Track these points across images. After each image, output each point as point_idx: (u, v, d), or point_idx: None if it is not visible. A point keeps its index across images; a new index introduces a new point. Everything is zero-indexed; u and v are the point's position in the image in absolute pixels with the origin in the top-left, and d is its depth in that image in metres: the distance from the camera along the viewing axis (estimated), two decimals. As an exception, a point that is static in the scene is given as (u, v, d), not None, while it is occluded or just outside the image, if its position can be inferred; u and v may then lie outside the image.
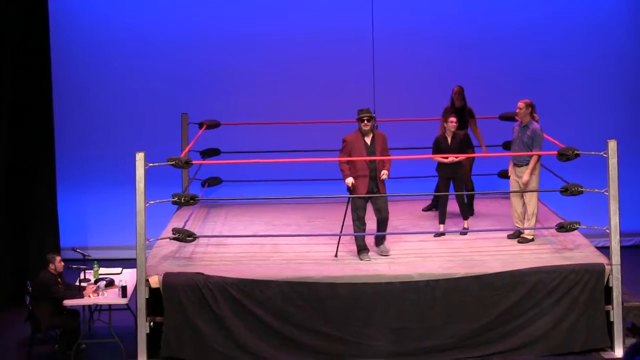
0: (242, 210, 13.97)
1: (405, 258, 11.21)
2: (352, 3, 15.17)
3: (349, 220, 11.47)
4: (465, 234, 12.03)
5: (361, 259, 11.20)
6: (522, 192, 11.65)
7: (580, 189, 10.95)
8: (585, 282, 10.62)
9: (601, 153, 10.82)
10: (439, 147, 12.16)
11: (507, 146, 13.09)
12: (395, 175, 11.84)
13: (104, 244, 15.02)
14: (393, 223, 12.01)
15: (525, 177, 11.53)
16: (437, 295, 10.56)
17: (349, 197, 11.49)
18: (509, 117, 13.00)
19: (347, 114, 14.47)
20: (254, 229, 12.75)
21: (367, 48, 14.29)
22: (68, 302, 10.77)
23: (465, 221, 12.21)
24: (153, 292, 10.57)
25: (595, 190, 10.94)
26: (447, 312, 10.57)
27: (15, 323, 11.82)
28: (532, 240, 11.72)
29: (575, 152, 10.99)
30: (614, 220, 10.77)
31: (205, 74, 15.45)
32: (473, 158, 12.75)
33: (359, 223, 11.29)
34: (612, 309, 10.66)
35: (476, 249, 11.50)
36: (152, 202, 10.70)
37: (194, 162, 11.59)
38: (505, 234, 11.95)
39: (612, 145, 10.74)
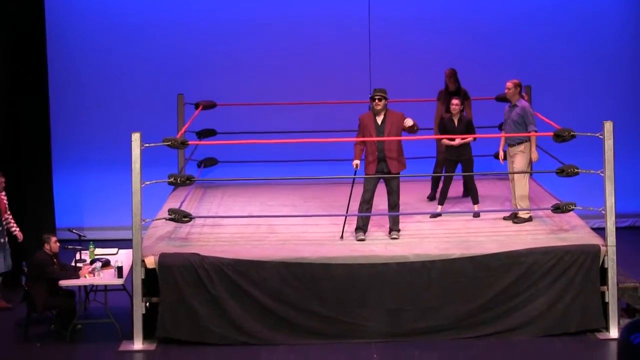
0: (238, 190, 13.97)
1: (402, 239, 11.21)
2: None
3: (355, 202, 11.48)
4: (478, 216, 12.01)
5: (355, 238, 11.22)
6: (513, 172, 11.65)
7: (576, 170, 10.96)
8: (581, 263, 10.64)
9: (597, 134, 10.82)
10: (445, 129, 12.17)
11: (502, 127, 13.11)
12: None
13: (99, 224, 15.04)
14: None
15: (534, 156, 11.55)
16: (433, 276, 10.57)
17: (354, 178, 11.48)
18: (505, 99, 12.99)
19: (343, 96, 14.51)
20: (250, 209, 12.75)
21: (363, 29, 14.29)
22: (64, 283, 10.79)
23: (476, 205, 12.17)
24: (149, 272, 10.57)
25: (591, 171, 10.95)
26: (443, 293, 10.58)
27: (11, 303, 11.85)
28: (528, 220, 11.74)
29: (571, 133, 10.99)
30: (610, 201, 10.78)
31: (202, 55, 15.43)
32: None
33: (364, 204, 11.27)
34: (607, 289, 10.68)
35: (472, 230, 11.51)
36: (148, 182, 10.69)
37: (190, 142, 11.59)
38: (502, 215, 11.97)
39: (608, 126, 10.74)
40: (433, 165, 13.17)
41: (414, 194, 13.16)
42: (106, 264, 11.14)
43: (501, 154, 11.96)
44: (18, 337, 11.00)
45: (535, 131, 11.57)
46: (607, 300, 10.68)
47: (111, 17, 15.36)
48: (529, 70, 15.06)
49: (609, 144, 10.73)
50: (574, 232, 11.31)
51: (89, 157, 15.40)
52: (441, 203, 12.21)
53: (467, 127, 12.10)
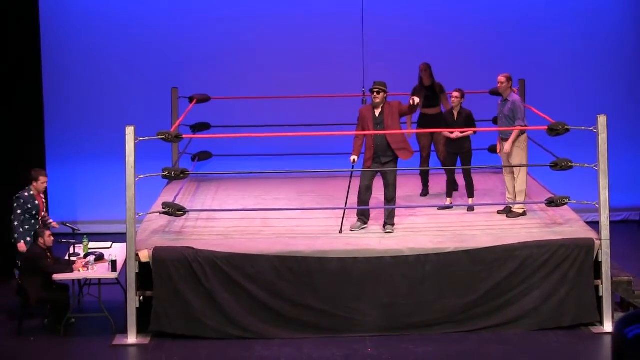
0: (232, 184, 13.96)
1: (396, 233, 11.21)
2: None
3: (353, 196, 11.48)
4: (472, 209, 12.02)
5: (351, 228, 11.22)
6: (512, 166, 11.65)
7: (570, 163, 10.96)
8: (575, 257, 10.64)
9: (591, 128, 10.82)
10: (445, 122, 12.17)
11: (496, 121, 13.10)
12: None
13: (93, 218, 15.02)
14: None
15: (507, 147, 11.55)
16: (427, 270, 10.57)
17: (351, 172, 11.49)
18: (499, 93, 12.99)
19: (337, 89, 14.49)
20: (244, 203, 12.74)
21: (357, 23, 14.25)
22: (57, 277, 10.77)
23: (471, 199, 12.17)
24: (143, 266, 10.56)
25: (585, 165, 10.95)
26: (438, 287, 10.58)
27: (4, 297, 11.83)
28: (522, 214, 11.74)
29: (565, 127, 10.99)
30: (604, 195, 10.78)
31: (196, 49, 15.41)
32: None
33: (364, 191, 11.29)
34: (602, 283, 10.68)
35: (467, 224, 11.51)
36: (142, 176, 10.67)
37: (184, 136, 11.57)
38: (496, 209, 11.97)
39: (602, 120, 10.74)
40: (418, 160, 13.14)
41: (407, 187, 13.15)
42: (100, 257, 11.12)
43: (499, 146, 11.93)
44: (11, 331, 10.98)
45: (523, 126, 11.54)
46: (601, 294, 10.68)
47: (106, 10, 15.32)
48: (523, 64, 15.06)
49: (602, 137, 10.73)
50: (568, 226, 11.31)
51: (83, 151, 15.37)
52: (449, 195, 12.22)
53: (467, 120, 12.07)
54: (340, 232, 11.21)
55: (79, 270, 10.83)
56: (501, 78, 11.73)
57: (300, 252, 10.60)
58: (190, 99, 13.86)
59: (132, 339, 10.46)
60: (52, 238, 10.94)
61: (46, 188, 11.45)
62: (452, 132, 12.03)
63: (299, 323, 10.55)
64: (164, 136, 10.93)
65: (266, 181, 14.09)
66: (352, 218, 11.49)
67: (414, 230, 11.35)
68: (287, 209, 12.15)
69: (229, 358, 10.11)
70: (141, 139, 10.65)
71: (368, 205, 11.41)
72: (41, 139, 13.76)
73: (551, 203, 11.19)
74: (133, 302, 10.45)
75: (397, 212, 11.71)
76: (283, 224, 11.61)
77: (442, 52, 14.80)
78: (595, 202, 10.85)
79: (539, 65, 15.41)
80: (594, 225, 11.11)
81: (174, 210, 11.02)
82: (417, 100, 11.11)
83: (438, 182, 12.94)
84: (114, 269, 10.77)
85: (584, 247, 10.66)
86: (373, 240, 10.96)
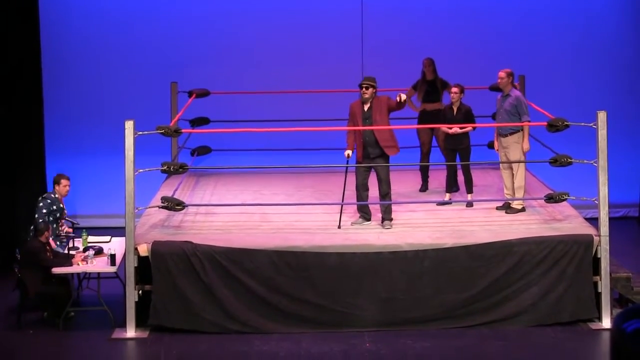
0: (231, 179, 13.97)
1: (395, 228, 11.21)
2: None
3: (349, 191, 11.48)
4: (471, 205, 12.02)
5: (352, 223, 11.24)
6: (510, 162, 11.66)
7: (569, 160, 10.96)
8: (574, 253, 10.64)
9: (590, 124, 10.82)
10: (445, 117, 12.17)
11: (495, 117, 13.11)
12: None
13: (92, 212, 15.01)
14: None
15: (526, 146, 11.55)
16: (425, 265, 10.57)
17: (347, 167, 11.50)
18: (499, 88, 12.99)
19: (336, 84, 14.49)
20: (243, 198, 12.74)
21: (356, 18, 14.25)
22: (57, 270, 10.77)
23: (469, 194, 12.18)
24: (142, 260, 10.56)
25: (585, 161, 10.95)
26: (436, 283, 10.58)
27: (3, 291, 11.82)
28: (521, 210, 11.74)
29: (565, 123, 10.98)
30: (603, 191, 10.78)
31: (195, 43, 15.41)
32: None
33: (360, 189, 11.32)
34: (600, 279, 10.68)
35: (465, 220, 11.52)
36: (141, 170, 10.67)
37: (183, 130, 11.57)
38: (495, 205, 11.97)
39: (602, 116, 10.74)
40: (418, 155, 13.14)
41: (406, 183, 13.17)
42: (99, 251, 11.12)
43: (496, 143, 11.95)
44: (10, 324, 10.99)
45: (529, 121, 11.57)
46: (599, 290, 10.68)
47: (105, 5, 15.31)
48: (523, 60, 15.06)
49: (602, 134, 10.73)
50: (567, 222, 11.31)
51: (82, 145, 15.37)
52: (448, 191, 12.23)
53: (466, 116, 12.07)
54: (339, 227, 11.21)
55: (78, 264, 10.83)
56: (501, 74, 11.73)
57: (299, 247, 10.61)
58: (190, 94, 13.85)
59: (131, 332, 10.46)
60: (49, 232, 10.94)
61: (68, 192, 11.42)
62: (450, 128, 12.03)
63: (298, 318, 10.55)
64: (163, 130, 10.93)
65: (265, 176, 14.10)
66: (349, 213, 11.48)
67: (412, 225, 11.35)
68: (285, 204, 12.15)
69: (227, 352, 10.11)
70: (140, 133, 10.65)
71: (366, 202, 11.42)
72: (41, 133, 13.76)
73: (550, 199, 11.19)
74: (132, 296, 10.46)
75: (396, 207, 11.72)
76: (282, 219, 11.62)
77: (441, 48, 14.78)
78: (594, 198, 10.85)
79: (539, 61, 15.40)
80: (593, 221, 11.12)
81: (173, 204, 11.02)
82: (403, 96, 11.10)
83: (437, 178, 12.95)
84: (113, 263, 10.77)
85: (583, 243, 10.66)
86: (372, 235, 10.97)
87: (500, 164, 11.94)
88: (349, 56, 15.07)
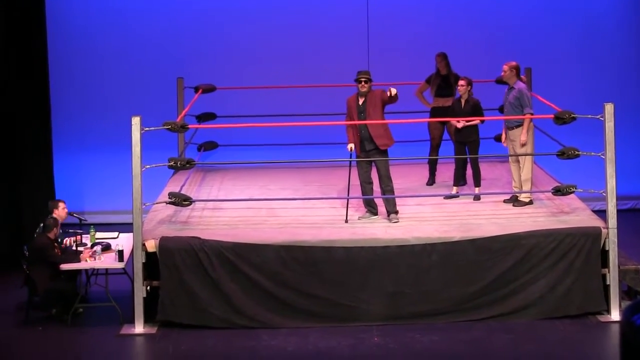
0: (238, 174, 13.97)
1: (402, 222, 11.20)
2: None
3: (355, 185, 11.47)
4: (479, 198, 12.01)
5: (359, 217, 11.24)
6: (517, 155, 11.64)
7: (576, 152, 10.94)
8: (582, 245, 10.62)
9: (598, 116, 10.79)
10: (453, 111, 12.16)
11: (502, 110, 13.09)
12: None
13: (100, 208, 15.03)
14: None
15: (523, 138, 11.53)
16: (433, 259, 10.56)
17: (350, 161, 11.50)
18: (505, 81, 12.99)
19: (342, 79, 14.47)
20: (250, 193, 12.74)
21: (362, 13, 14.24)
22: (65, 267, 10.78)
23: (477, 188, 12.16)
24: (149, 256, 10.57)
25: (592, 153, 10.92)
26: (443, 276, 10.57)
27: (12, 287, 11.84)
28: (529, 203, 11.73)
29: (572, 115, 10.96)
30: (611, 183, 10.76)
31: (202, 39, 15.41)
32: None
33: (365, 184, 11.32)
34: (608, 272, 10.66)
35: (472, 213, 11.50)
36: (148, 166, 10.67)
37: (190, 126, 11.58)
38: (502, 198, 11.96)
39: (609, 108, 10.71)
40: (427, 149, 13.13)
41: (413, 176, 13.16)
42: (107, 247, 11.14)
43: (503, 136, 11.93)
44: (19, 321, 11.01)
45: (531, 114, 11.54)
46: (608, 282, 10.66)
47: (111, 0, 15.31)
48: (530, 52, 15.03)
49: (609, 126, 10.71)
50: (574, 214, 11.29)
51: (90, 142, 15.39)
52: (456, 184, 12.22)
53: (474, 109, 12.05)
54: (346, 221, 11.21)
55: (86, 261, 10.84)
56: (505, 67, 11.73)
57: (306, 241, 10.60)
58: (196, 89, 13.86)
59: (139, 328, 10.48)
60: (58, 227, 10.96)
61: (67, 213, 11.30)
62: (458, 122, 12.01)
63: (305, 312, 10.56)
64: (170, 126, 10.94)
65: (272, 171, 14.10)
66: (356, 207, 11.47)
67: (419, 219, 11.34)
68: (292, 199, 12.15)
69: (235, 347, 10.12)
70: (147, 129, 10.65)
71: (373, 196, 11.41)
72: (48, 129, 13.77)
73: (558, 192, 11.17)
74: (140, 292, 10.47)
75: (404, 201, 11.71)
76: (289, 214, 11.62)
77: (448, 40, 14.75)
78: (602, 190, 10.83)
79: (545, 54, 15.38)
80: (601, 213, 11.10)
81: (180, 200, 11.03)
82: (394, 91, 11.05)
83: (445, 172, 12.93)
84: (120, 259, 10.78)
85: (591, 236, 10.64)
86: (379, 229, 10.96)
87: (509, 157, 11.93)
88: (354, 51, 15.06)
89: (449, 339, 10.21)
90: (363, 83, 11.23)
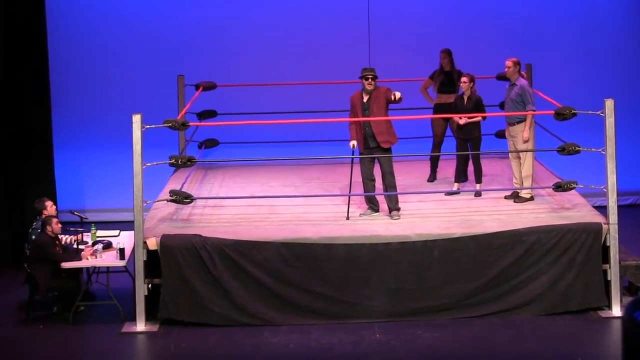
0: (239, 171, 13.97)
1: (403, 219, 11.21)
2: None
3: (355, 182, 11.48)
4: (480, 195, 12.01)
5: (361, 214, 11.24)
6: (518, 151, 11.64)
7: (577, 148, 10.94)
8: (583, 241, 10.62)
9: (598, 112, 10.79)
10: (456, 107, 12.16)
11: (503, 106, 13.09)
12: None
13: (101, 206, 15.03)
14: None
15: (525, 134, 11.52)
16: (434, 255, 10.57)
17: (352, 158, 11.50)
18: (506, 77, 12.97)
19: (343, 76, 14.47)
20: (251, 190, 12.74)
21: (362, 9, 14.23)
22: (66, 265, 10.79)
23: (478, 184, 12.16)
24: (151, 254, 10.58)
25: (593, 149, 10.92)
26: (445, 273, 10.57)
27: (13, 286, 11.84)
28: (530, 199, 11.73)
29: (572, 111, 10.96)
30: (611, 179, 10.76)
31: (202, 36, 15.39)
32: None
33: (367, 181, 11.33)
34: (610, 268, 10.67)
35: (474, 209, 11.50)
36: (149, 164, 10.67)
37: (190, 123, 11.56)
38: (503, 194, 11.96)
39: (609, 104, 10.71)
40: (430, 146, 13.14)
41: (415, 173, 13.16)
42: (108, 245, 11.14)
43: (506, 132, 11.92)
44: (20, 319, 11.01)
45: (534, 110, 11.54)
46: (609, 278, 10.67)
47: (112, -1, 15.35)
48: (530, 48, 15.03)
49: (610, 121, 10.70)
50: (575, 210, 11.30)
51: (90, 140, 15.38)
52: (457, 181, 12.22)
53: (476, 105, 12.04)
54: (347, 218, 11.21)
55: (87, 259, 10.85)
56: (508, 62, 11.72)
57: (307, 238, 10.61)
58: (197, 87, 13.84)
59: (140, 326, 10.48)
60: (60, 226, 10.95)
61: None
62: (460, 118, 12.01)
63: (307, 309, 10.56)
64: (170, 124, 10.93)
65: (273, 168, 14.10)
66: (357, 204, 11.48)
67: (421, 216, 11.35)
68: (293, 196, 12.15)
69: (237, 345, 10.13)
70: (148, 126, 10.65)
71: (374, 193, 11.42)
72: (48, 127, 13.77)
73: (558, 188, 11.17)
74: (141, 289, 10.48)
75: (405, 197, 11.71)
76: (290, 211, 11.62)
77: (450, 37, 14.73)
78: (602, 186, 10.83)
79: (546, 49, 15.36)
80: (602, 209, 11.10)
81: (181, 197, 11.03)
82: (398, 94, 11.05)
83: (446, 168, 12.93)
84: (122, 256, 10.78)
85: (592, 232, 10.65)
86: (380, 226, 10.96)
87: (510, 153, 11.93)
88: (355, 48, 15.05)
89: (451, 335, 10.22)
90: (370, 80, 11.22)
